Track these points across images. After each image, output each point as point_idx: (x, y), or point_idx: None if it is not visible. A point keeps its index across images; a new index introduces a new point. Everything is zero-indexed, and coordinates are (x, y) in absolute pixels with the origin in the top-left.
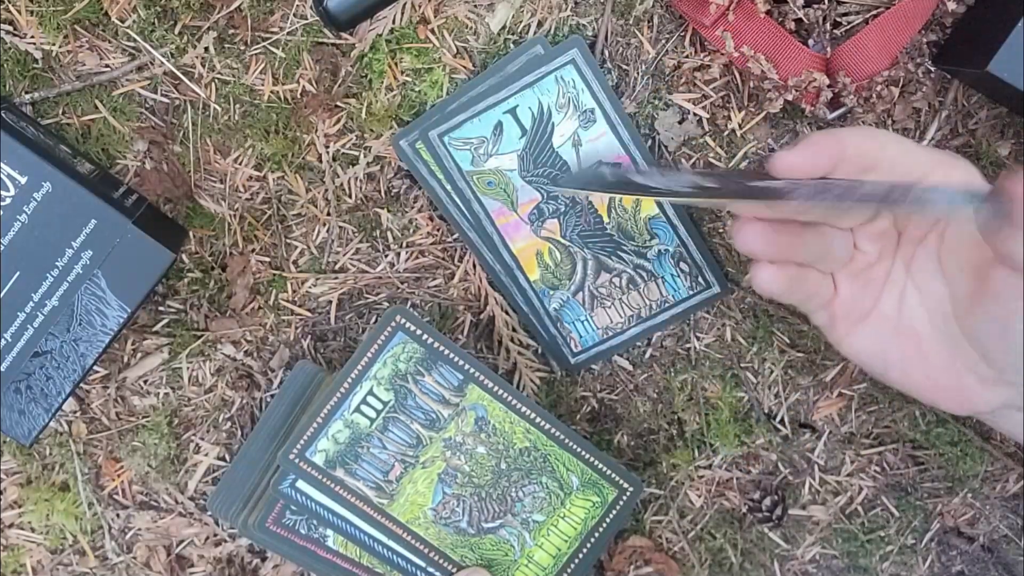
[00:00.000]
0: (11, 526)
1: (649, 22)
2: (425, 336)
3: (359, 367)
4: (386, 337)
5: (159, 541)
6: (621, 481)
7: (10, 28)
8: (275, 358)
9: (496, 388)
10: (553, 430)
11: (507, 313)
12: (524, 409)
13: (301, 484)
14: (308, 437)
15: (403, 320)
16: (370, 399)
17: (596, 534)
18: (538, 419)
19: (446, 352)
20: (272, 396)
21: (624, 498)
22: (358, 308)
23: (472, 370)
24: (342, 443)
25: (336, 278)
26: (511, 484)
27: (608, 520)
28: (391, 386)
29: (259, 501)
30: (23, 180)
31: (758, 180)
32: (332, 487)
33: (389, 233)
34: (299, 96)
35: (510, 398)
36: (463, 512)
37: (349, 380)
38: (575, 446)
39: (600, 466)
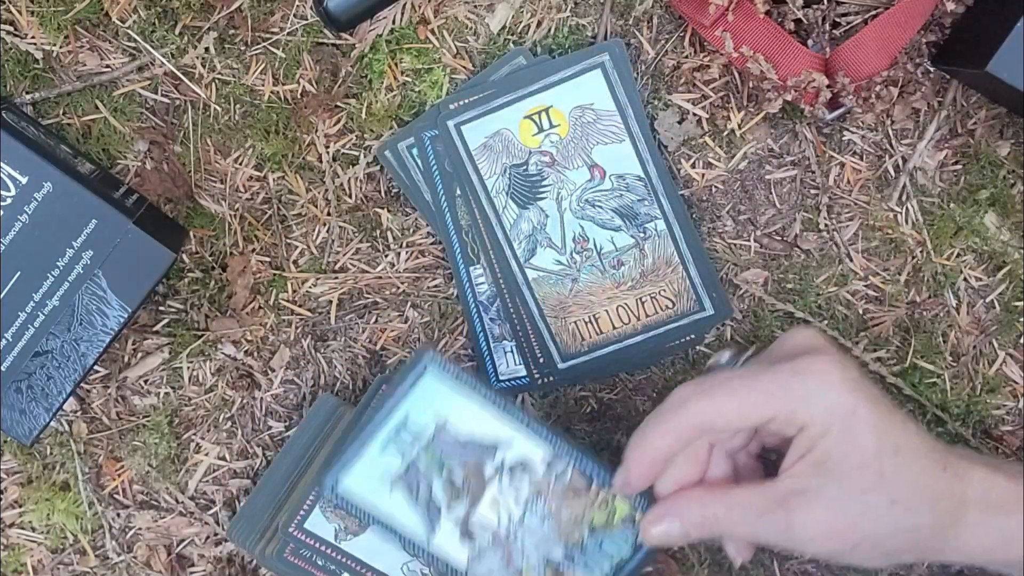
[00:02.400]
0: (12, 525)
1: (649, 22)
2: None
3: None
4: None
5: (159, 540)
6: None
7: (11, 28)
8: (275, 358)
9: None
10: None
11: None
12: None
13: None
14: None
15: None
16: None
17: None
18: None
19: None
20: (273, 396)
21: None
22: (358, 308)
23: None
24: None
25: (336, 278)
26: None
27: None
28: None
29: (277, 532)
30: (24, 180)
31: None
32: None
33: (389, 233)
34: (299, 96)
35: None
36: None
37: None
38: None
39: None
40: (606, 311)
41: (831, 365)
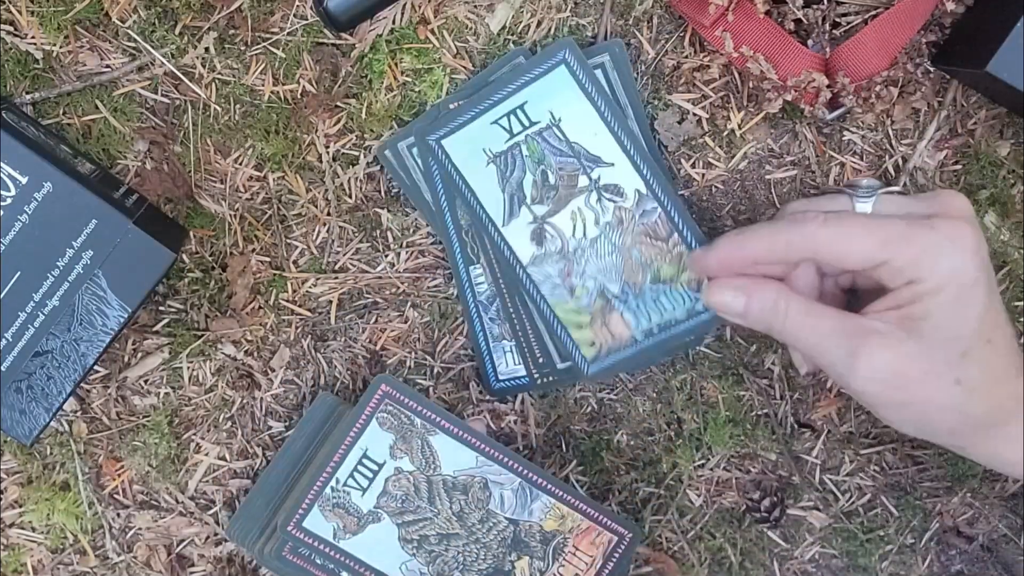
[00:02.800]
0: (12, 525)
1: (649, 22)
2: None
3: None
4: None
5: (159, 540)
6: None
7: (11, 28)
8: (275, 358)
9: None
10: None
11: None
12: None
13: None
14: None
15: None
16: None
17: None
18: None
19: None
20: (273, 396)
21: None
22: (358, 308)
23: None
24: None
25: (336, 278)
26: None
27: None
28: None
29: (276, 531)
30: (24, 180)
31: None
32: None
33: (389, 233)
34: (299, 96)
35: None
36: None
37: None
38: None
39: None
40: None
41: (971, 234)
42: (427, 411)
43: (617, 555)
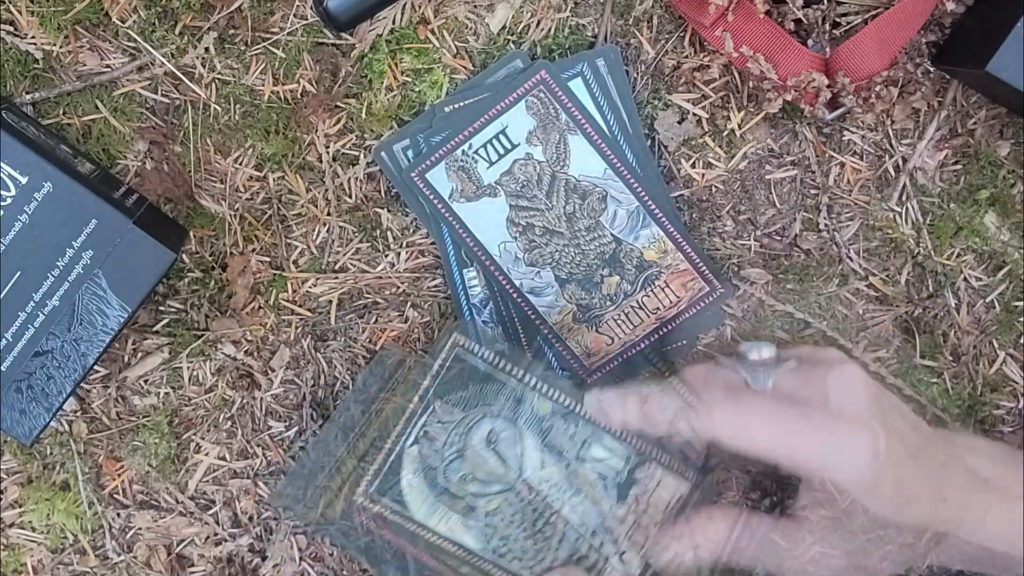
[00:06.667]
0: (12, 525)
1: (649, 22)
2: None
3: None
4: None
5: (159, 540)
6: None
7: (11, 28)
8: (275, 358)
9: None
10: None
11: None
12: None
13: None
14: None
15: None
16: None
17: None
18: None
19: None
20: (273, 396)
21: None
22: (358, 308)
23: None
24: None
25: (336, 278)
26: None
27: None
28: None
29: (334, 496)
30: (24, 180)
31: None
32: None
33: (389, 233)
34: (299, 96)
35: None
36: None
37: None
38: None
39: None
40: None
41: (865, 425)
42: (575, 110)
43: (703, 304)
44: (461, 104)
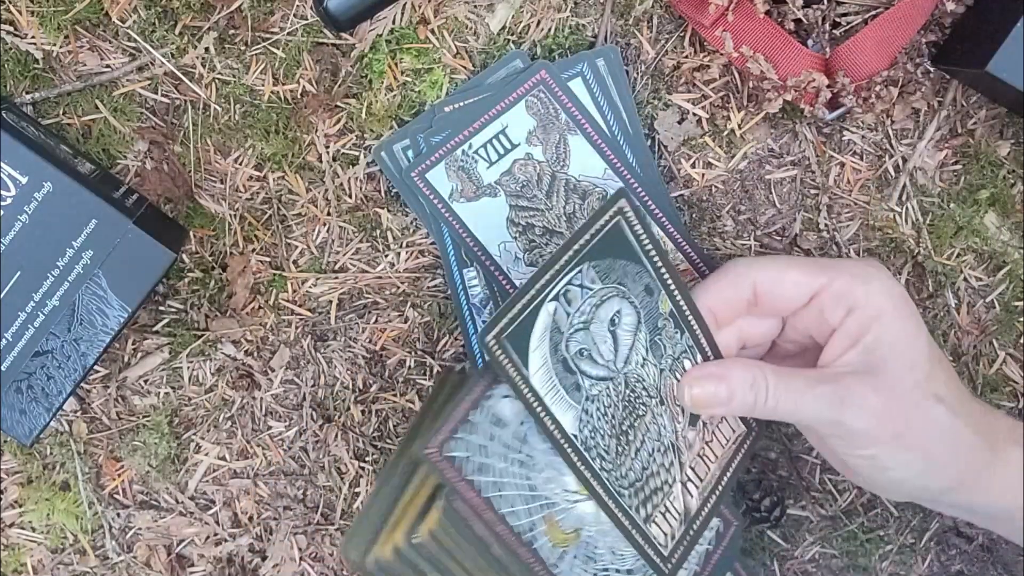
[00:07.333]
0: (12, 525)
1: (649, 22)
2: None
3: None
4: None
5: (159, 540)
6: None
7: (11, 28)
8: (275, 358)
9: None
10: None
11: None
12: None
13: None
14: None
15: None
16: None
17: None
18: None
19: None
20: (273, 396)
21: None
22: (358, 308)
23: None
24: None
25: (336, 278)
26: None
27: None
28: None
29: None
30: (24, 180)
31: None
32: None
33: (389, 233)
34: (299, 96)
35: None
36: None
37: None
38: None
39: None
40: None
41: (880, 266)
42: (575, 110)
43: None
44: (461, 104)
